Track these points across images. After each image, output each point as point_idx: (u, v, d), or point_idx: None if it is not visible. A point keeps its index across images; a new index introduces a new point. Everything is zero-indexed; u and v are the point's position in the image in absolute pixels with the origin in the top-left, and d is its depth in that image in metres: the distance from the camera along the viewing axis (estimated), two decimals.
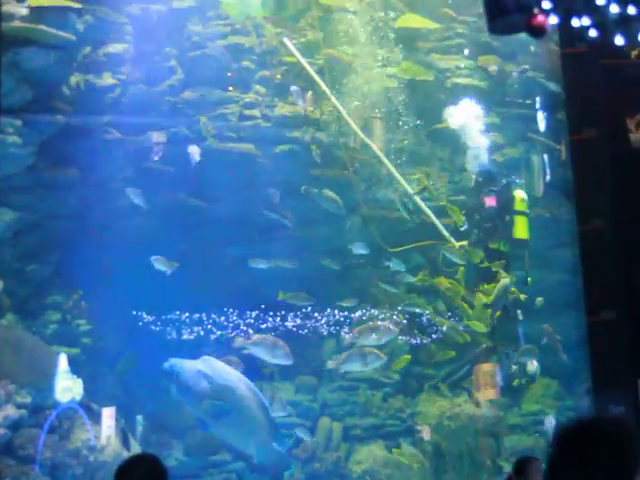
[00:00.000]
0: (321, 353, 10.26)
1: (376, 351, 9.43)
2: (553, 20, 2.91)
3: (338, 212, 9.81)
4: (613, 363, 7.99)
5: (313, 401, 10.25)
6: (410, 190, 10.29)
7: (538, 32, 2.95)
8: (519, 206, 10.17)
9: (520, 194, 10.21)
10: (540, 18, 2.93)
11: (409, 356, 10.17)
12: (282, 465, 9.17)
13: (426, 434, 9.95)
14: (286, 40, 10.19)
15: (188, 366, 8.56)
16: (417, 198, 10.28)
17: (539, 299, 10.08)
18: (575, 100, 8.41)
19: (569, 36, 8.13)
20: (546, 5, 2.88)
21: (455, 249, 10.07)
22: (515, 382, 10.10)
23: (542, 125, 10.57)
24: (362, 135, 10.22)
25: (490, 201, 10.18)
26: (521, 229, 10.14)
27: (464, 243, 10.13)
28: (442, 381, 10.37)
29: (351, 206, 10.20)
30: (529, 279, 10.05)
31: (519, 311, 10.00)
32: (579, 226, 8.40)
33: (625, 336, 8.00)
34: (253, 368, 9.82)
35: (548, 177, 10.48)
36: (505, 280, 9.92)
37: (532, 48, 10.49)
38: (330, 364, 9.59)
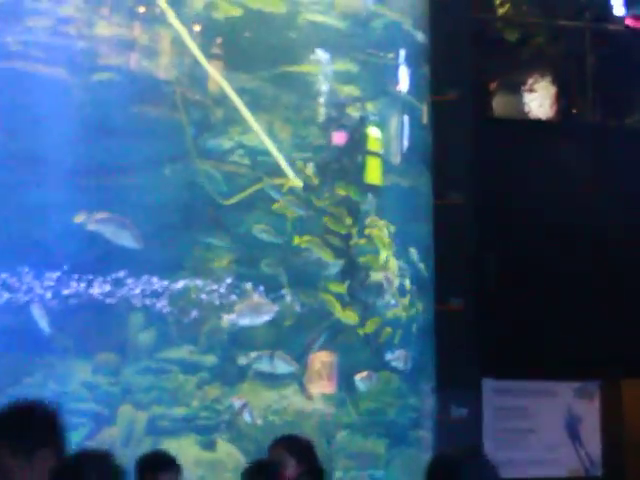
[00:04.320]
0: (127, 327, 10.91)
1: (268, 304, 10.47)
2: None
3: None
4: (457, 358, 9.28)
5: (114, 384, 10.80)
6: (264, 136, 11.08)
7: None
8: (373, 145, 10.91)
9: (374, 132, 10.93)
10: None
11: None
12: None
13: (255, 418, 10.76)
14: None
15: None
16: (267, 140, 11.13)
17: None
18: (440, 55, 9.73)
19: None
20: None
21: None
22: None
23: (404, 80, 11.53)
24: (207, 64, 10.93)
25: (339, 137, 11.04)
26: (374, 173, 10.91)
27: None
28: (299, 357, 11.09)
29: (177, 154, 10.93)
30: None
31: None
32: (434, 200, 9.72)
33: (472, 328, 9.35)
34: (39, 338, 10.52)
35: (407, 141, 11.41)
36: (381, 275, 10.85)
37: None
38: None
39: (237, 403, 10.87)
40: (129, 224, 10.35)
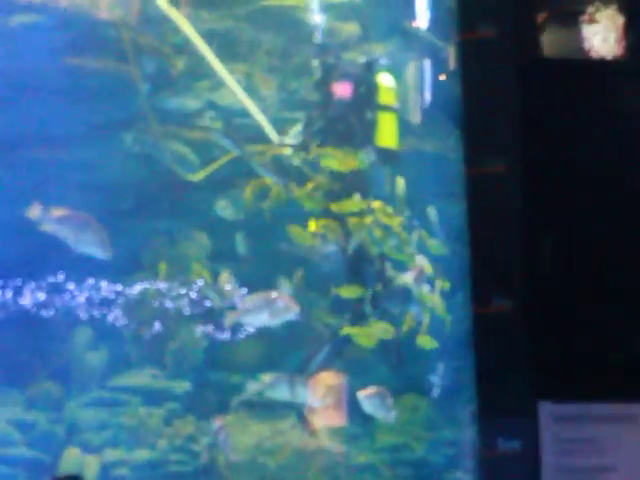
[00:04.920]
0: (70, 347, 10.50)
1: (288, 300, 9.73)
2: None
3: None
4: (505, 376, 8.03)
5: (55, 422, 10.45)
6: (241, 93, 10.69)
7: None
8: (385, 98, 10.32)
9: (386, 81, 10.35)
10: None
11: None
12: None
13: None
14: None
15: None
16: (244, 97, 10.71)
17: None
18: None
19: None
20: None
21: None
22: None
23: (424, 13, 10.92)
24: (163, 1, 10.58)
25: (343, 89, 10.37)
26: (388, 133, 10.33)
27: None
28: (301, 373, 10.58)
29: (128, 118, 10.53)
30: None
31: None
32: (468, 170, 8.34)
33: (524, 337, 8.11)
34: None
35: (430, 93, 10.88)
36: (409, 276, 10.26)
37: None
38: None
39: (215, 426, 10.59)
40: (94, 223, 9.38)
